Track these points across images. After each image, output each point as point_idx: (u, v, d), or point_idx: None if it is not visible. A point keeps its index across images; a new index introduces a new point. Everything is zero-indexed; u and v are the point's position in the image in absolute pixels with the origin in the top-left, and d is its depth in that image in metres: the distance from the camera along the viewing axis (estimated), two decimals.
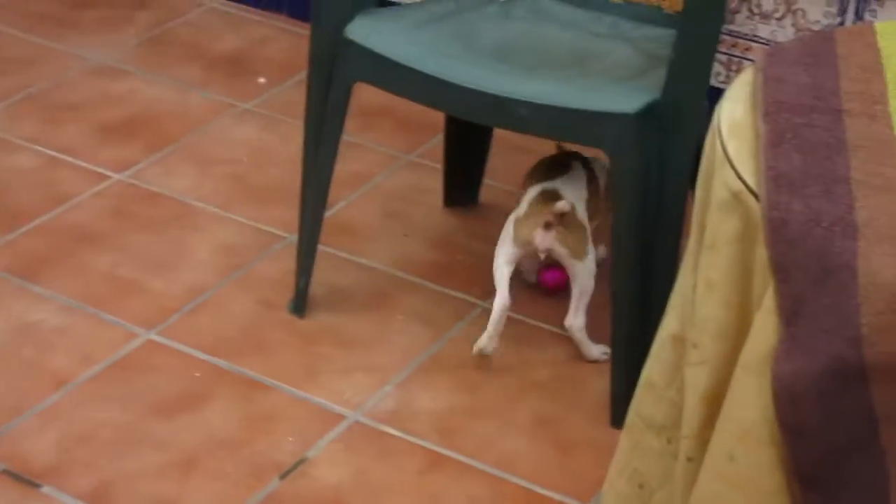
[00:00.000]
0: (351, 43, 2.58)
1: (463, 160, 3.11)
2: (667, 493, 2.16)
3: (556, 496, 2.42)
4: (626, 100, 2.43)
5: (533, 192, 2.65)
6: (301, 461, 2.45)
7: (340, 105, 2.65)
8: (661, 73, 2.51)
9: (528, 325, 2.79)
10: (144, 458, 2.44)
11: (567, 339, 2.74)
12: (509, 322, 2.68)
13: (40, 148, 3.26)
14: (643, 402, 2.18)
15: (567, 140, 2.71)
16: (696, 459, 1.82)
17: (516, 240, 2.61)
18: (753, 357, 1.63)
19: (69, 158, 3.24)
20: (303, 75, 3.43)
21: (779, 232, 1.61)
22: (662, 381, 2.11)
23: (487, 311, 2.75)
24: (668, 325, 2.09)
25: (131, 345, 2.69)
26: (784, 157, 1.71)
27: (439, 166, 3.19)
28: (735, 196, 1.71)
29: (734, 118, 1.82)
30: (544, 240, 2.58)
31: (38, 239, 2.95)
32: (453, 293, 2.88)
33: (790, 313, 1.59)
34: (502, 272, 2.62)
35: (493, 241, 2.75)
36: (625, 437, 2.23)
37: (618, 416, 2.55)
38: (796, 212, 1.62)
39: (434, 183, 3.18)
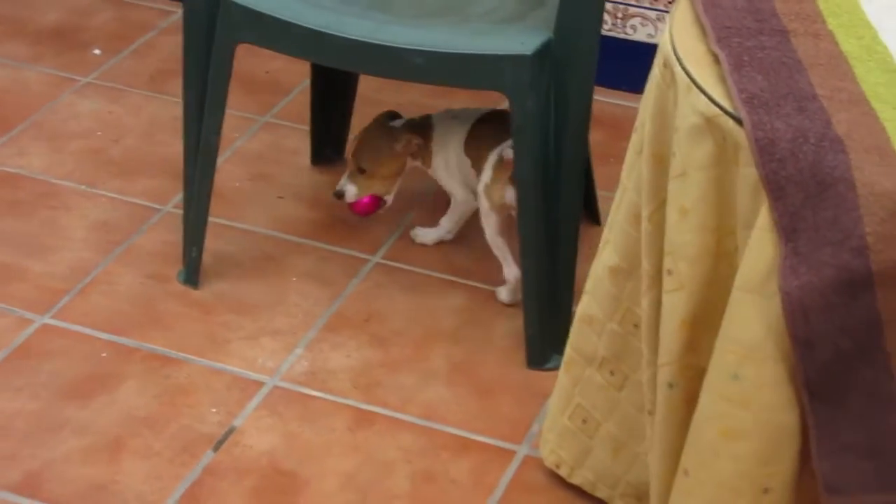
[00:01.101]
0: (231, 3, 2.53)
1: (329, 117, 3.09)
2: (613, 425, 2.20)
3: (487, 440, 2.44)
4: (522, 41, 2.45)
5: (492, 158, 2.65)
6: (230, 431, 2.42)
7: (224, 68, 2.60)
8: (541, 13, 2.54)
9: (422, 276, 2.79)
10: (67, 444, 2.38)
11: (465, 287, 2.76)
12: (403, 273, 2.70)
13: None
14: (582, 337, 2.21)
15: (464, 86, 2.72)
16: (678, 385, 1.86)
17: (494, 206, 2.64)
18: (752, 277, 1.67)
19: None
20: (137, 45, 3.39)
21: (767, 151, 1.65)
22: (602, 314, 2.15)
23: (380, 265, 2.76)
24: (605, 259, 2.12)
25: (26, 331, 2.62)
26: (749, 79, 1.75)
27: (297, 126, 3.17)
28: (708, 121, 1.75)
29: (686, 46, 1.85)
30: (513, 195, 2.58)
31: None
32: (341, 250, 2.87)
33: (789, 230, 1.63)
34: (500, 244, 2.68)
35: None
36: (564, 375, 2.26)
37: (533, 357, 2.59)
38: (780, 130, 1.66)
39: (295, 142, 3.16)
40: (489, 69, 2.46)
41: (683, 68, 1.80)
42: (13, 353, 2.56)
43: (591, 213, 2.90)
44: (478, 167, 2.67)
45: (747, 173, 1.70)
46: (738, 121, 1.70)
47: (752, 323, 1.68)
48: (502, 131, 2.61)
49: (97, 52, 3.50)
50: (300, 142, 3.15)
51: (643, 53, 2.77)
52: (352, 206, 2.75)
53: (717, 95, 1.75)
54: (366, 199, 2.74)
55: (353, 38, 2.47)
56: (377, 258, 2.83)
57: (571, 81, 2.48)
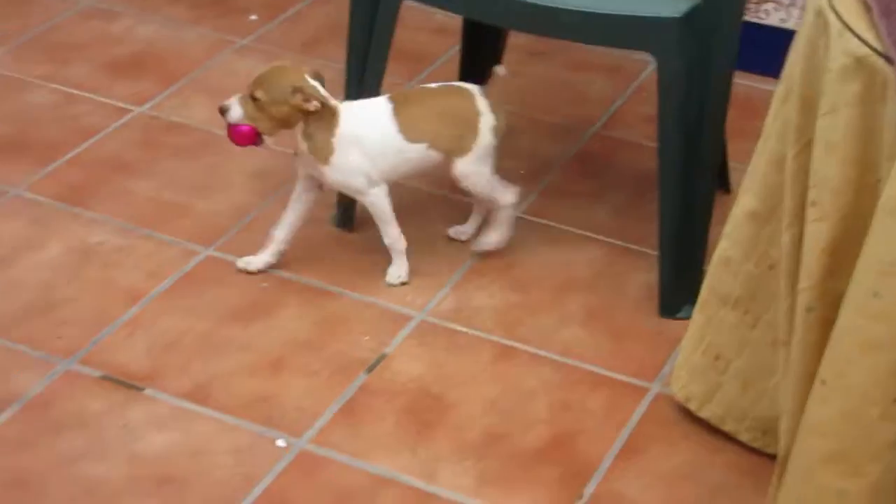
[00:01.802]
0: None
1: (476, 81, 3.25)
2: (743, 362, 2.35)
3: (620, 377, 2.59)
4: (672, 5, 2.60)
5: (482, 101, 2.74)
6: (382, 357, 2.59)
7: (388, 27, 2.78)
8: None
9: (560, 230, 2.95)
10: (233, 360, 2.56)
11: (601, 242, 2.92)
12: (543, 228, 2.86)
13: (56, 85, 3.34)
14: (718, 278, 2.36)
15: (614, 45, 2.87)
16: (816, 308, 2.01)
17: (497, 139, 2.75)
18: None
19: (86, 94, 3.32)
20: (290, 13, 3.57)
21: None
22: (739, 256, 2.30)
23: (520, 219, 2.93)
24: (745, 204, 2.27)
25: (194, 260, 2.80)
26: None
27: None
28: (859, 61, 1.89)
29: None
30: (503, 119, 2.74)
31: (76, 169, 3.04)
32: None
33: None
34: (497, 180, 2.78)
35: (509, 156, 2.95)
36: (698, 314, 2.41)
37: (666, 306, 2.74)
38: None
39: None
40: (639, 31, 2.62)
41: (837, 14, 1.95)
42: (181, 279, 2.75)
43: (723, 182, 3.04)
44: (440, 143, 2.72)
45: (894, 110, 1.84)
46: (888, 60, 1.85)
47: (894, 242, 1.82)
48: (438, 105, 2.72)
49: (253, 17, 3.70)
50: None
51: (775, 38, 2.92)
52: (230, 128, 2.67)
53: (870, 38, 1.89)
54: (245, 128, 2.65)
55: None
56: (518, 213, 2.99)
57: (717, 44, 2.63)
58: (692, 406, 2.46)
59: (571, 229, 2.96)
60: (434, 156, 2.73)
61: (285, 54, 3.52)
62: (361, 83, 2.84)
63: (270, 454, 2.36)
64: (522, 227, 2.94)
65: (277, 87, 2.61)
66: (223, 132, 3.08)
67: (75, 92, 3.32)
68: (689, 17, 2.58)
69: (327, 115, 2.64)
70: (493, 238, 2.81)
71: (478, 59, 3.20)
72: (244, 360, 2.56)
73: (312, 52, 3.56)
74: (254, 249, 2.81)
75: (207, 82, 3.40)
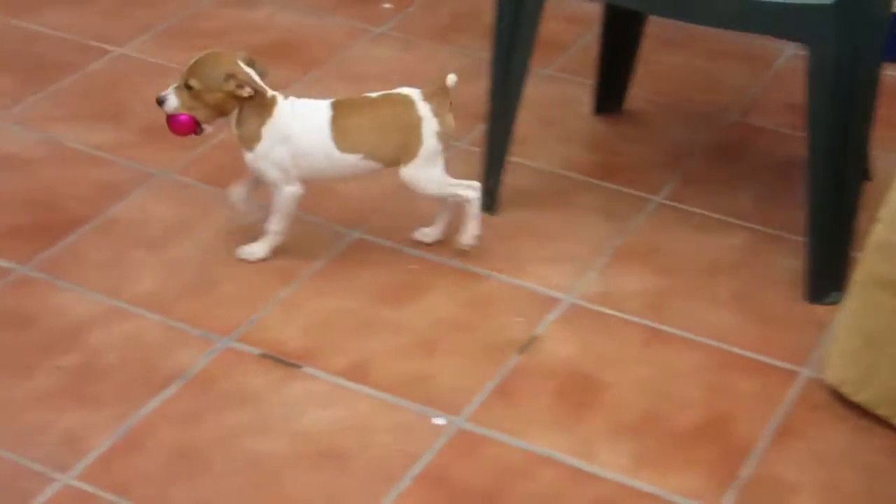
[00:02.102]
0: None
1: (614, 70, 3.29)
2: None
3: (772, 361, 2.60)
4: None
5: (425, 106, 2.72)
6: (533, 338, 2.62)
7: (535, 13, 2.80)
8: None
9: (702, 216, 2.97)
10: (387, 340, 2.60)
11: (745, 228, 2.93)
12: (685, 213, 2.88)
13: None
14: (875, 263, 2.37)
15: (768, 33, 2.88)
16: None
17: (446, 143, 2.74)
18: None
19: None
20: (423, 1, 3.60)
21: None
22: None
23: (663, 205, 2.94)
24: None
25: (341, 243, 2.85)
26: None
27: (575, 79, 3.37)
28: None
29: None
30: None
31: (221, 153, 3.10)
32: (623, 189, 3.05)
33: None
34: (452, 180, 2.76)
35: (647, 143, 2.96)
36: (853, 300, 2.42)
37: (814, 291, 2.75)
38: None
39: (575, 93, 3.36)
40: (793, 18, 2.63)
41: None
42: (332, 261, 2.80)
43: (864, 170, 3.04)
44: (379, 154, 2.71)
45: None
46: None
47: None
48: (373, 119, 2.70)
49: (388, 6, 3.74)
50: (580, 92, 3.35)
51: None
52: (168, 118, 2.66)
53: None
54: (183, 117, 2.64)
55: None
56: (660, 199, 3.01)
57: (867, 32, 2.63)
58: (846, 390, 2.47)
59: (713, 215, 2.98)
60: (371, 165, 2.72)
61: (420, 42, 3.56)
62: (508, 72, 2.86)
63: (429, 431, 2.40)
64: (664, 213, 2.97)
65: (211, 74, 2.61)
66: None
67: None
68: (843, 4, 2.59)
69: (262, 104, 2.65)
70: (470, 232, 2.79)
71: (618, 48, 3.23)
72: (398, 339, 2.60)
73: (448, 40, 3.60)
74: (399, 232, 2.85)
75: (346, 69, 3.45)
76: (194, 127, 2.65)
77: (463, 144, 3.16)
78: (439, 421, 2.42)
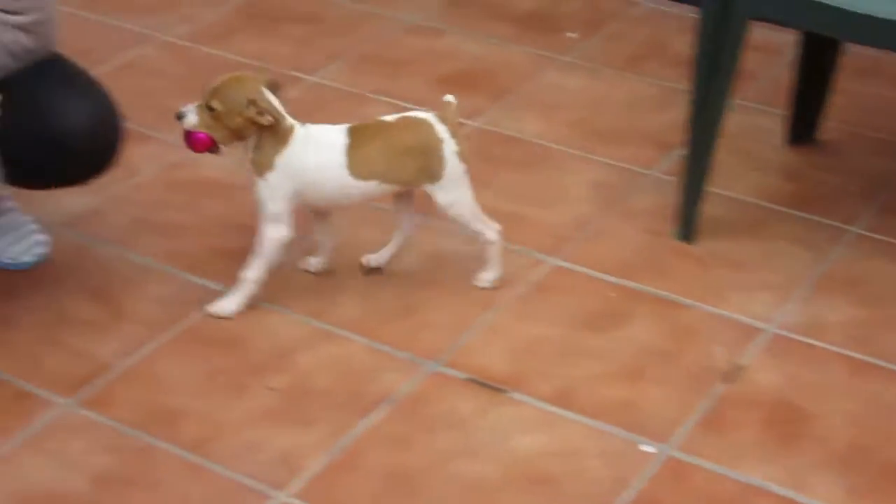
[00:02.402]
0: None
1: (808, 100, 3.27)
2: None
3: None
4: None
5: (442, 129, 2.70)
6: (737, 367, 2.61)
7: (737, 39, 2.80)
8: None
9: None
10: (591, 367, 2.61)
11: None
12: (884, 244, 2.89)
13: (389, 99, 3.45)
14: None
15: None
16: None
17: (463, 161, 2.73)
18: None
19: (420, 107, 3.40)
20: (608, 30, 3.62)
21: None
22: None
23: (860, 235, 2.91)
24: None
25: (540, 270, 2.87)
26: None
27: (765, 108, 3.36)
28: None
29: None
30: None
31: None
32: (819, 219, 3.04)
33: None
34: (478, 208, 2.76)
35: (842, 173, 2.97)
36: None
37: None
38: None
39: (766, 123, 3.35)
40: None
41: None
42: (531, 287, 2.82)
43: None
44: (399, 178, 2.67)
45: None
46: None
47: None
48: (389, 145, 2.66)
49: (573, 35, 3.76)
50: (771, 122, 3.34)
51: None
52: (186, 134, 2.62)
53: None
54: (200, 135, 2.60)
55: (874, 15, 2.63)
56: (857, 229, 2.99)
57: None
58: None
59: None
60: (386, 189, 2.69)
61: (607, 71, 3.58)
62: (707, 102, 2.87)
63: (638, 459, 2.40)
64: (863, 244, 2.95)
65: (233, 98, 2.57)
66: (556, 146, 3.16)
67: (409, 105, 3.41)
68: None
69: (280, 132, 2.60)
70: (491, 275, 2.79)
71: (813, 76, 3.22)
72: (602, 366, 2.61)
73: (635, 69, 3.61)
74: (599, 258, 2.89)
75: (535, 97, 3.47)
76: (211, 146, 2.61)
77: (654, 173, 3.17)
78: (648, 448, 2.42)
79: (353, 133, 2.66)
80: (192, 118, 2.59)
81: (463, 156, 2.68)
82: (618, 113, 3.41)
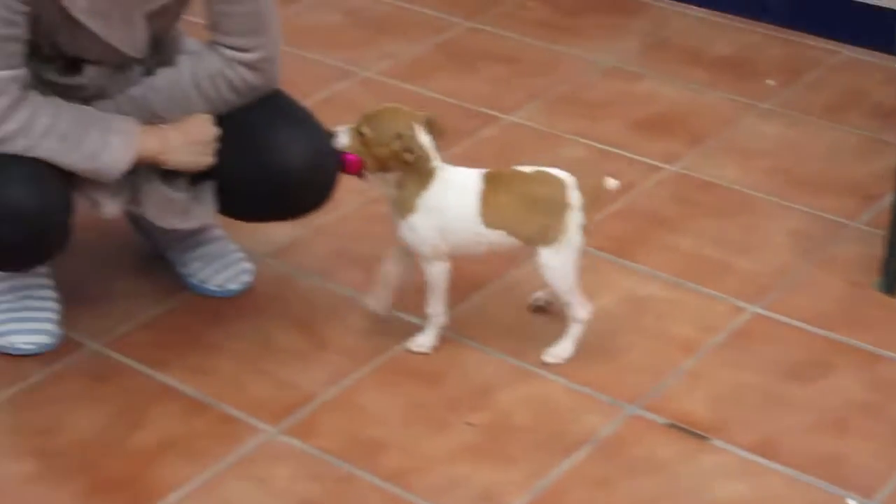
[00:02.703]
0: None
1: None
2: None
3: None
4: None
5: (575, 195, 2.62)
6: None
7: None
8: None
9: None
10: (795, 417, 2.58)
11: None
12: None
13: (586, 141, 3.45)
14: None
15: None
16: None
17: (585, 237, 2.65)
18: None
19: (617, 150, 3.42)
20: (809, 78, 3.59)
21: None
22: None
23: None
24: None
25: (741, 317, 2.84)
26: None
27: None
28: None
29: None
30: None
31: (618, 222, 3.13)
32: None
33: None
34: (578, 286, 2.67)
35: None
36: None
37: None
38: None
39: None
40: None
41: None
42: (732, 334, 2.80)
43: None
44: (521, 230, 2.61)
45: None
46: None
47: None
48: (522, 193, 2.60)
49: (771, 82, 3.73)
50: None
51: None
52: (340, 154, 2.61)
53: None
54: (351, 157, 2.59)
55: None
56: None
57: None
58: None
59: None
60: (513, 242, 2.62)
61: (807, 119, 3.55)
62: None
63: None
64: None
65: (383, 128, 2.55)
66: (755, 193, 3.14)
67: (608, 148, 3.42)
68: None
69: (423, 172, 2.56)
70: (564, 352, 2.69)
71: None
72: (805, 417, 2.58)
73: (835, 118, 3.58)
74: (801, 308, 2.86)
75: (733, 143, 3.46)
76: (359, 169, 2.59)
77: (856, 224, 3.13)
78: (852, 503, 2.38)
79: (489, 179, 2.60)
80: (343, 139, 2.59)
81: (586, 231, 2.60)
82: (817, 161, 3.38)
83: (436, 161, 2.58)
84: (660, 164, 3.36)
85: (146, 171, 2.59)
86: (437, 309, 2.67)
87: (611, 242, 3.05)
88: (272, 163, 2.59)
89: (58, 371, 2.66)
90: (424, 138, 2.56)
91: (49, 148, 2.45)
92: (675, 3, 4.10)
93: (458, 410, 2.57)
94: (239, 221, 2.82)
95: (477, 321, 2.79)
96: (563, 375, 2.66)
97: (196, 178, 2.65)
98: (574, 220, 2.58)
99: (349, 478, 2.42)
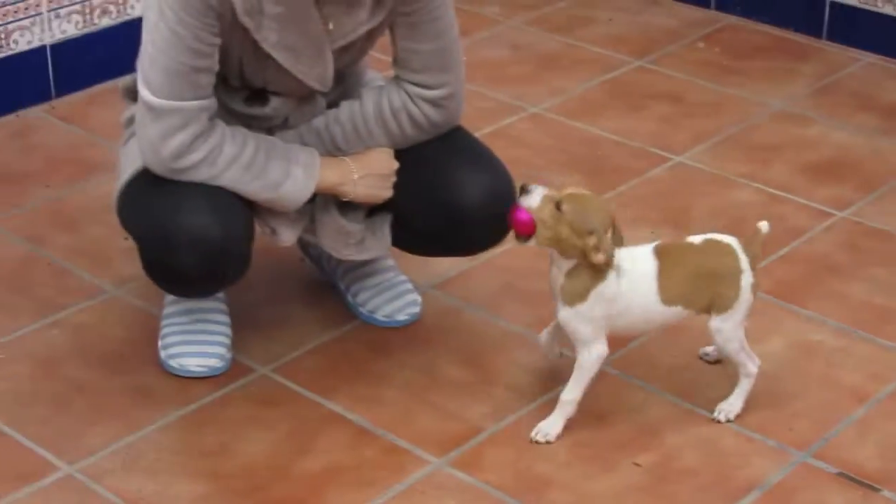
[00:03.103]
0: None
1: None
2: None
3: None
4: None
5: (744, 257, 2.58)
6: None
7: None
8: None
9: None
10: None
11: None
12: None
13: (757, 185, 3.42)
14: None
15: None
16: None
17: (755, 293, 2.61)
18: None
19: (787, 195, 3.38)
20: None
21: None
22: None
23: None
24: None
25: None
26: None
27: None
28: None
29: None
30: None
31: (787, 267, 3.10)
32: None
33: None
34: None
35: None
36: None
37: None
38: None
39: None
40: None
41: None
42: None
43: None
44: (695, 303, 2.56)
45: None
46: None
47: None
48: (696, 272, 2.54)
49: None
50: None
51: None
52: (514, 208, 2.47)
53: None
54: (527, 218, 2.45)
55: None
56: None
57: None
58: None
59: None
60: (684, 314, 2.57)
61: None
62: None
63: None
64: None
65: (583, 215, 2.43)
66: None
67: (777, 192, 3.40)
68: None
69: (601, 268, 2.48)
70: (734, 408, 2.64)
71: None
72: None
73: None
74: None
75: None
76: (530, 231, 2.46)
77: None
78: None
79: (661, 255, 2.54)
80: (535, 199, 2.45)
81: (756, 289, 2.57)
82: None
83: (616, 262, 2.50)
84: (829, 210, 3.32)
85: (324, 200, 2.63)
86: (574, 395, 2.57)
87: (779, 287, 3.02)
88: (449, 200, 2.61)
89: (227, 394, 2.70)
90: (612, 241, 2.48)
91: (232, 177, 2.50)
92: (846, 47, 4.06)
93: (626, 450, 2.57)
94: (410, 254, 2.84)
95: (643, 361, 2.79)
96: (733, 420, 2.64)
97: (372, 210, 2.68)
98: (746, 282, 2.56)
99: None
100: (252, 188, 2.52)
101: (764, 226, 2.57)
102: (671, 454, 2.56)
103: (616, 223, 2.50)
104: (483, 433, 2.60)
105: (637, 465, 2.54)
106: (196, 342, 2.73)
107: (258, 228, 2.63)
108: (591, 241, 2.43)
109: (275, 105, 2.59)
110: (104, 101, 3.67)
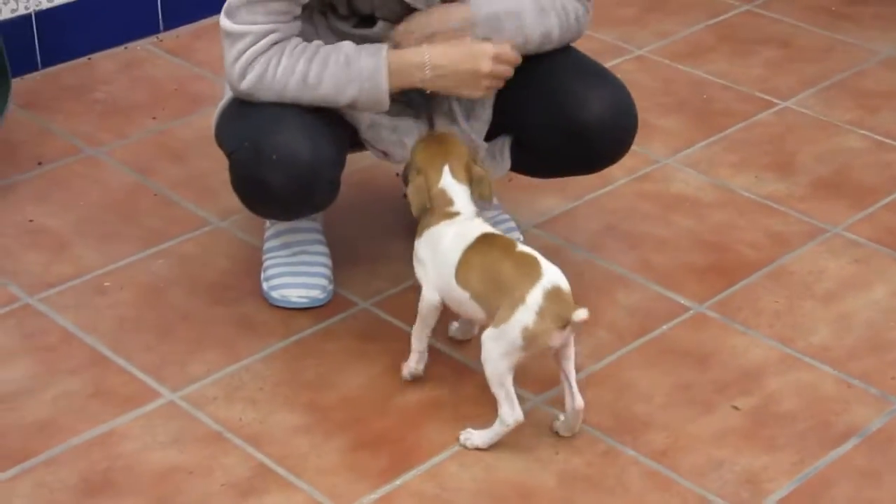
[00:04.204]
0: None
1: None
2: None
3: None
4: None
5: (535, 293, 2.31)
6: None
7: None
8: None
9: None
10: None
11: None
12: None
13: (863, 132, 3.38)
14: None
15: None
16: None
17: (529, 348, 2.33)
18: None
19: (893, 142, 3.35)
20: None
21: None
22: None
23: None
24: None
25: None
26: None
27: None
28: None
29: None
30: (561, 337, 2.35)
31: (891, 215, 3.07)
32: None
33: None
34: (509, 384, 2.36)
35: None
36: None
37: None
38: None
39: None
40: None
41: None
42: None
43: None
44: (486, 301, 2.39)
45: None
46: None
47: None
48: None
49: None
50: None
51: None
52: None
53: None
54: None
55: None
56: None
57: None
58: None
59: None
60: (478, 311, 2.42)
61: None
62: None
63: None
64: None
65: (414, 154, 2.54)
66: None
67: (884, 140, 3.35)
68: None
69: (436, 212, 2.48)
70: (478, 438, 2.43)
71: None
72: None
73: None
74: None
75: None
76: None
77: None
78: None
79: (479, 240, 2.43)
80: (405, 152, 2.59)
81: (529, 339, 2.31)
82: None
83: (453, 209, 2.47)
84: None
85: (440, 121, 2.62)
86: (417, 334, 2.53)
87: (885, 234, 2.99)
88: (573, 115, 2.60)
89: (328, 327, 2.72)
90: (451, 184, 2.47)
91: (296, 87, 2.50)
92: None
93: (725, 393, 2.56)
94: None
95: (745, 305, 2.77)
96: (833, 365, 2.63)
97: (491, 133, 2.68)
98: (520, 316, 2.30)
99: (612, 452, 2.43)
100: (319, 93, 2.51)
101: (581, 313, 2.30)
102: (771, 398, 2.55)
103: (482, 177, 2.47)
104: (582, 373, 2.60)
105: (736, 408, 2.52)
106: (298, 273, 2.76)
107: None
108: (418, 180, 2.46)
109: (382, 25, 2.60)
110: (211, 34, 3.70)
